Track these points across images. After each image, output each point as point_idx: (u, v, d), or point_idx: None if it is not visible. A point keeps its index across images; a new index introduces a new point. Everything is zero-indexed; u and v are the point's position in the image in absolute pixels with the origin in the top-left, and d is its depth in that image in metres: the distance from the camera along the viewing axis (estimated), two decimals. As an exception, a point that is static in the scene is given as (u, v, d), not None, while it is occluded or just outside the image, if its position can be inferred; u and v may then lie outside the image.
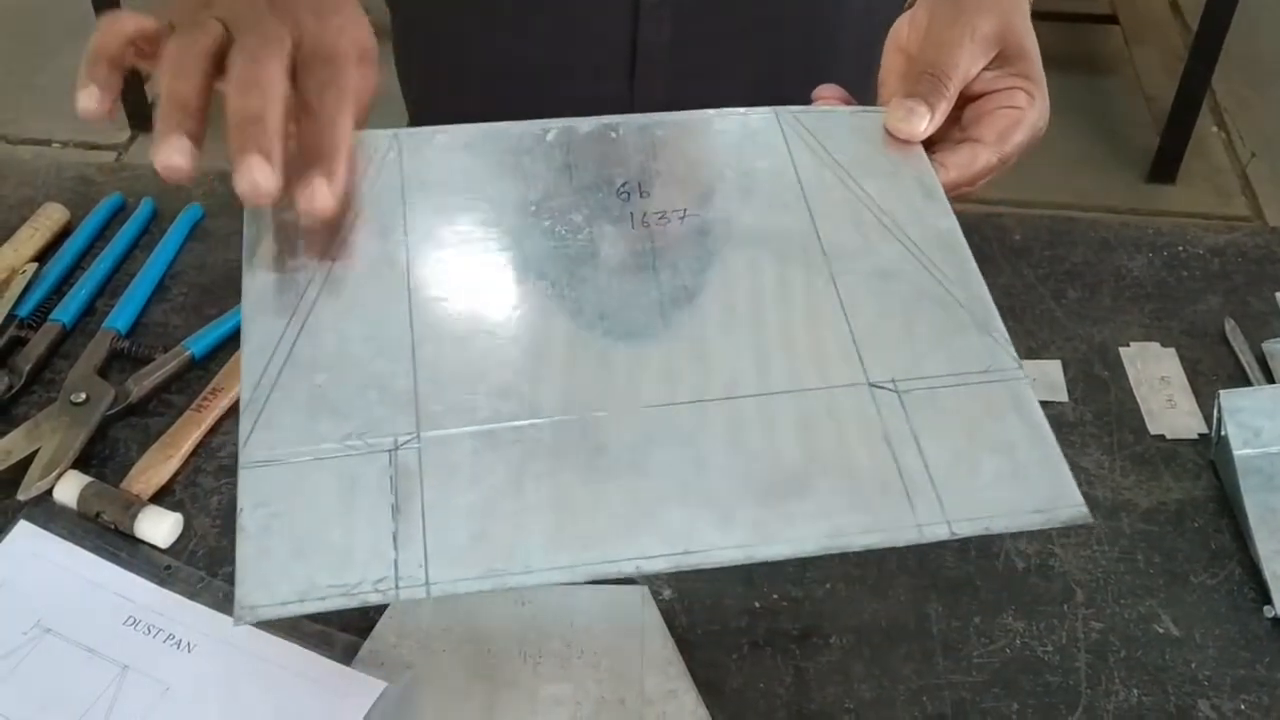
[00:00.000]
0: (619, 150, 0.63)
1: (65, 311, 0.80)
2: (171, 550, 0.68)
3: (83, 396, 0.73)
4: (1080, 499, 0.53)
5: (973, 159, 0.65)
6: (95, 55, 0.58)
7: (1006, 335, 0.58)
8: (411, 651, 0.63)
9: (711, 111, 0.66)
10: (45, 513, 0.69)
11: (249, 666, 0.62)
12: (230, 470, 0.72)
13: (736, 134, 0.65)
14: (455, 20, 0.92)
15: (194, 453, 0.73)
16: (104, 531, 0.68)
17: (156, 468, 0.71)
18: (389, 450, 0.51)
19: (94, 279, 0.82)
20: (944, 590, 0.68)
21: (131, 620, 0.64)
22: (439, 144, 0.62)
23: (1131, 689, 0.64)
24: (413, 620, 0.64)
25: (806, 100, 0.71)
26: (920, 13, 0.68)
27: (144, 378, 0.76)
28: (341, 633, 0.63)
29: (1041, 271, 0.86)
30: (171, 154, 0.54)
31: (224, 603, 0.65)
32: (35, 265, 0.83)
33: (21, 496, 0.69)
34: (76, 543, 0.67)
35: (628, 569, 0.50)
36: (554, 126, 0.64)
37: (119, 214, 0.88)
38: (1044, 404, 0.58)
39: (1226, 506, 0.72)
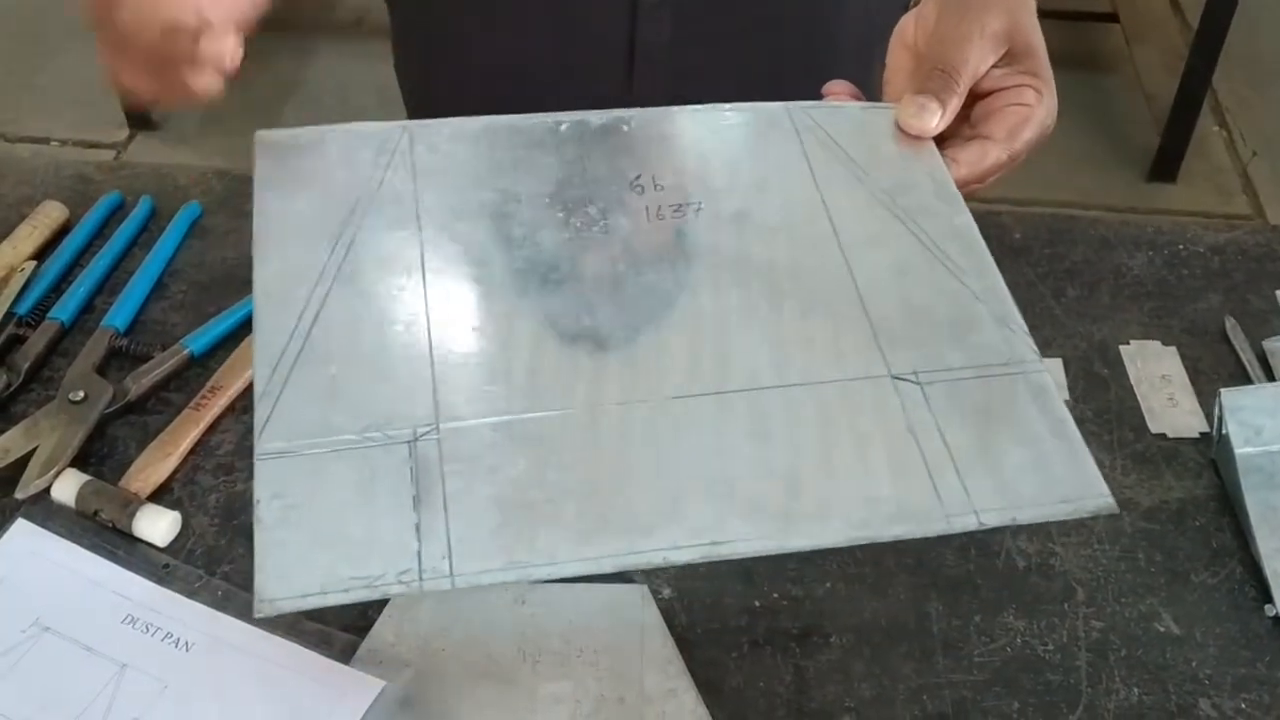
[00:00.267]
0: (632, 143, 0.63)
1: (64, 309, 0.80)
2: (170, 549, 0.68)
3: (81, 394, 0.73)
4: (1106, 489, 0.53)
5: (983, 155, 0.65)
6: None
7: (1025, 328, 0.58)
8: (410, 650, 0.63)
9: (724, 106, 0.66)
10: (43, 511, 0.69)
11: (247, 665, 0.62)
12: (229, 468, 0.72)
13: (749, 128, 0.65)
14: (455, 20, 0.92)
15: (192, 451, 0.73)
16: (102, 530, 0.68)
17: (155, 466, 0.71)
18: (408, 441, 0.51)
19: (92, 277, 0.82)
20: (944, 589, 0.67)
21: (130, 618, 0.64)
22: (449, 135, 0.62)
23: (1132, 688, 0.64)
24: (411, 619, 0.64)
25: (807, 100, 0.70)
26: (928, 10, 0.68)
27: (142, 376, 0.75)
28: (340, 631, 0.63)
29: (1041, 270, 0.86)
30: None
31: (222, 601, 0.65)
32: (34, 263, 0.83)
33: (20, 495, 0.69)
34: (75, 541, 0.67)
35: (655, 560, 0.49)
36: (566, 119, 0.63)
37: (117, 212, 0.88)
38: (1044, 402, 0.58)
39: (1227, 505, 0.72)
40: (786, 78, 0.90)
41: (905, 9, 0.94)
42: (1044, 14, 0.70)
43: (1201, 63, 2.28)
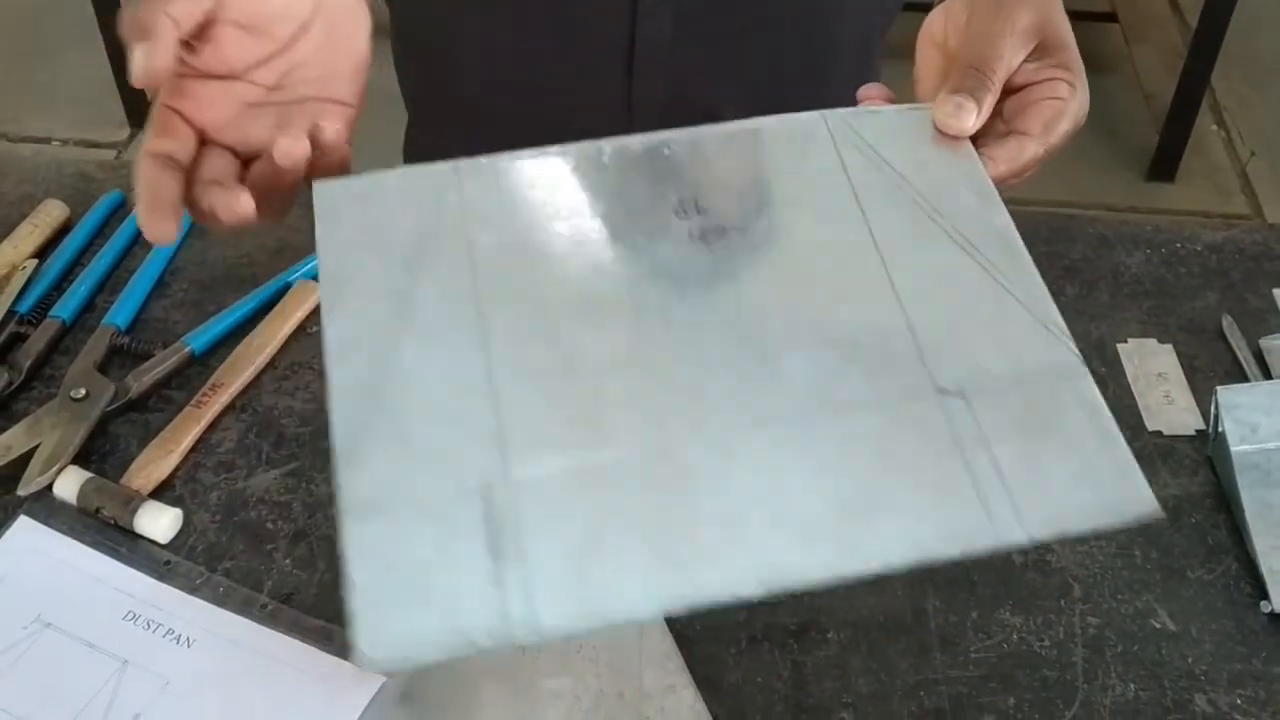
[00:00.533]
0: (672, 167, 0.63)
1: (65, 308, 0.80)
2: (171, 545, 0.68)
3: (83, 392, 0.74)
4: (1152, 496, 0.52)
5: (1020, 151, 0.65)
6: None
7: (1067, 330, 0.58)
8: (410, 646, 0.63)
9: (761, 120, 0.66)
10: (45, 508, 0.69)
11: (248, 661, 0.62)
12: (230, 466, 0.72)
13: (785, 142, 0.65)
14: (455, 20, 0.92)
15: (193, 448, 0.73)
16: (104, 527, 0.68)
17: (156, 463, 0.71)
18: (480, 494, 0.51)
19: (94, 275, 0.83)
20: (941, 585, 0.68)
21: (131, 615, 0.64)
22: (498, 172, 0.62)
23: (1128, 684, 0.64)
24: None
25: (806, 100, 0.71)
26: (957, 7, 0.68)
27: (143, 373, 0.76)
28: (341, 627, 0.64)
29: (1040, 268, 0.85)
30: None
31: (223, 597, 0.65)
32: (35, 262, 0.84)
33: (22, 492, 0.69)
34: (76, 538, 0.67)
35: (723, 597, 0.50)
36: (608, 148, 0.63)
37: (119, 211, 0.89)
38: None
39: (1223, 502, 0.72)
40: (786, 77, 0.91)
41: (905, 9, 0.95)
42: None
43: (1200, 62, 2.28)
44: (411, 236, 0.59)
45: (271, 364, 0.78)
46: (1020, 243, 0.62)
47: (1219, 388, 0.73)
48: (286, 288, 0.82)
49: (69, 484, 0.69)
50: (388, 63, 1.02)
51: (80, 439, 0.71)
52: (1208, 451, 0.75)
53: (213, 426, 0.74)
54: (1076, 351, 0.57)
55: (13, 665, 0.62)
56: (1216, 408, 0.73)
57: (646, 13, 0.85)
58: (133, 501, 0.68)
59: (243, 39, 0.59)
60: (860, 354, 0.57)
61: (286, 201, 0.60)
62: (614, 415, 0.54)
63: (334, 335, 0.55)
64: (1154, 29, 2.65)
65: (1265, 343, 0.81)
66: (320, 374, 0.58)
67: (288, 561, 0.68)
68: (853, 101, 0.69)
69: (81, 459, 0.71)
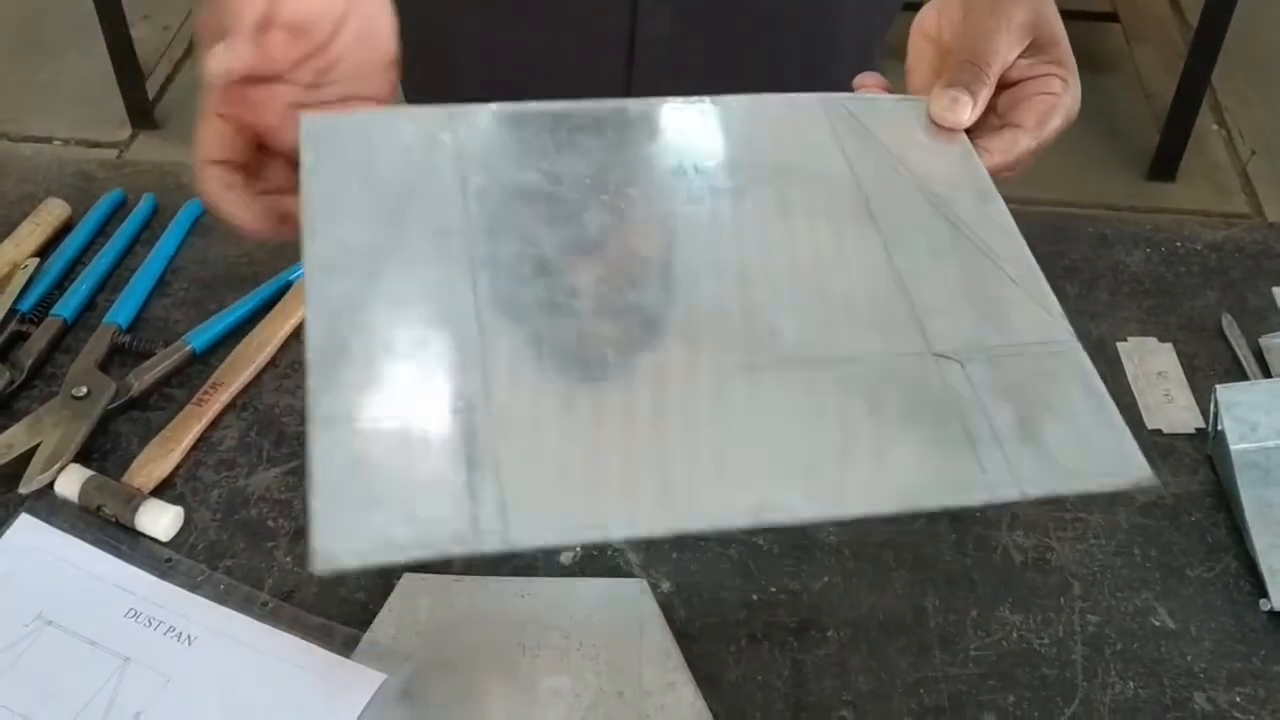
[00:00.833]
0: (671, 129, 0.64)
1: (66, 306, 0.80)
2: (172, 543, 0.68)
3: (84, 391, 0.74)
4: (1145, 463, 0.53)
5: (1014, 144, 0.66)
6: None
7: (1061, 310, 0.59)
8: (410, 644, 0.63)
9: (760, 96, 0.67)
10: (47, 506, 0.69)
11: (249, 659, 0.62)
12: (231, 464, 0.73)
13: (784, 117, 0.66)
14: (454, 18, 0.92)
15: (195, 446, 0.73)
16: (105, 525, 0.69)
17: (157, 461, 0.71)
18: (460, 409, 0.51)
19: (95, 274, 0.83)
20: (941, 584, 0.68)
21: (132, 613, 0.64)
22: (490, 119, 0.63)
23: (1128, 682, 0.64)
24: (412, 613, 0.65)
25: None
26: (953, 1, 0.69)
27: (145, 372, 0.76)
28: (341, 625, 0.64)
29: (1040, 267, 0.86)
30: None
31: (224, 595, 0.65)
32: (37, 260, 0.84)
33: (23, 490, 0.69)
34: (78, 536, 0.68)
35: (704, 526, 0.50)
36: (607, 106, 0.64)
37: (120, 210, 0.89)
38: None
39: (1223, 500, 0.72)
40: (786, 76, 0.91)
41: (904, 8, 0.95)
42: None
43: (1201, 61, 2.28)
44: (400, 172, 0.59)
45: (272, 362, 0.78)
46: (1015, 227, 0.62)
47: (1219, 386, 0.73)
48: (287, 286, 0.82)
49: (70, 482, 0.70)
50: (388, 62, 1.02)
51: (81, 437, 0.72)
52: (1207, 450, 0.75)
53: (214, 425, 0.74)
54: (1070, 330, 0.58)
55: (14, 663, 0.62)
56: (1216, 406, 0.73)
57: (646, 12, 0.85)
58: (134, 499, 0.68)
59: (287, 40, 0.59)
60: (857, 314, 0.57)
61: None
62: (603, 348, 0.54)
63: (314, 253, 0.55)
64: (1155, 29, 2.65)
65: (1265, 341, 0.81)
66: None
67: (288, 559, 0.68)
68: (852, 99, 0.70)
69: (83, 457, 0.71)
